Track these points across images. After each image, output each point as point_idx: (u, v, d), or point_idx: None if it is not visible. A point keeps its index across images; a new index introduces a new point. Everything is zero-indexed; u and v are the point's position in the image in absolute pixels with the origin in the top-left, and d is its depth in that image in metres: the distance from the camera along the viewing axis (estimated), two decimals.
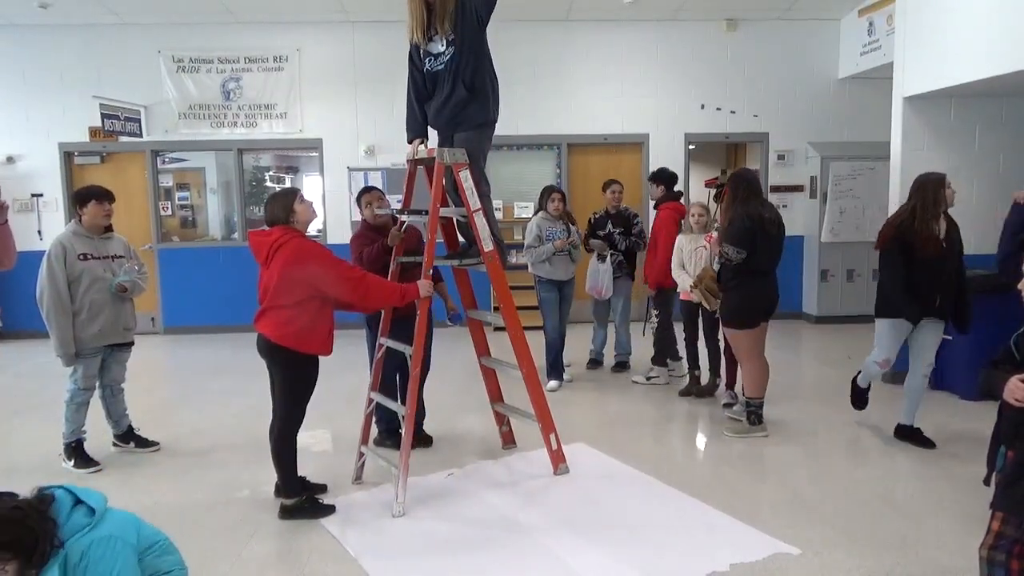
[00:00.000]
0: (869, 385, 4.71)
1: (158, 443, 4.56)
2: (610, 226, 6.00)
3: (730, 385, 5.22)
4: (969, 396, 5.16)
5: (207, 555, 3.14)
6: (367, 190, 4.40)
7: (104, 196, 4.22)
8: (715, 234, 4.78)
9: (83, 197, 4.20)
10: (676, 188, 5.95)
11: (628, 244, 5.99)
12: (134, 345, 4.50)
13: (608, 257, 5.89)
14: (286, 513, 3.50)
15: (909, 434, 4.41)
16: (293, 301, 3.33)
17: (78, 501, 2.19)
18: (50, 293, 4.04)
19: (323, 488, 3.81)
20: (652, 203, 6.01)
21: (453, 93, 3.70)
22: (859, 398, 4.74)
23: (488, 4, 3.66)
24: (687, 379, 5.64)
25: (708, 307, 4.93)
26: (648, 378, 5.94)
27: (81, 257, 4.11)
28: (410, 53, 3.87)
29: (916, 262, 4.14)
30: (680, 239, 5.33)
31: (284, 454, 3.49)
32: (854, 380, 4.75)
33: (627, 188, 6.72)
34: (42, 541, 2.00)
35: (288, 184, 9.72)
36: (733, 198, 4.46)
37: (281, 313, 3.35)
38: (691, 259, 5.22)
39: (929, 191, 4.16)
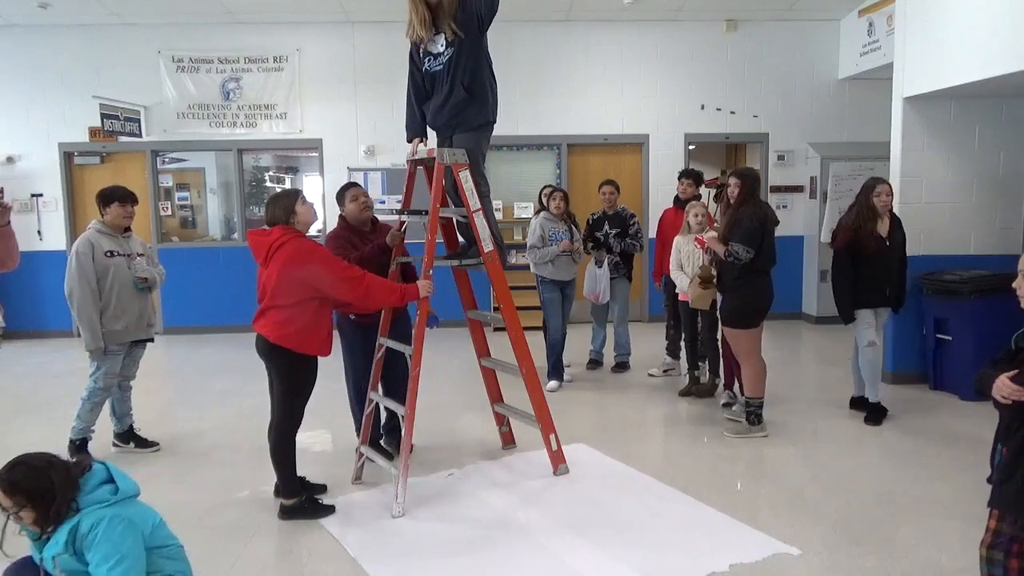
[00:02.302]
0: (877, 403, 4.82)
1: (158, 443, 4.56)
2: (607, 227, 6.00)
3: (729, 385, 5.22)
4: (969, 397, 5.16)
5: (207, 555, 3.13)
6: (352, 185, 4.20)
7: (128, 198, 4.32)
8: (706, 236, 4.77)
9: (107, 197, 4.29)
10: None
11: (624, 246, 5.97)
12: (152, 342, 4.54)
13: (605, 262, 5.89)
14: (286, 513, 3.50)
15: (861, 405, 4.87)
16: (292, 301, 3.33)
17: (111, 479, 2.29)
18: (80, 289, 4.10)
19: (323, 488, 3.80)
20: (676, 199, 5.92)
21: (451, 94, 3.69)
22: (874, 413, 4.82)
23: (490, 7, 3.61)
24: (687, 379, 5.64)
25: (701, 306, 4.96)
26: (665, 371, 6.06)
27: (108, 254, 4.21)
28: (410, 52, 3.86)
29: (865, 259, 4.58)
30: (678, 239, 5.33)
31: (283, 454, 3.49)
32: (860, 401, 4.93)
33: (627, 189, 6.72)
34: (59, 499, 2.15)
35: (288, 184, 9.72)
36: (743, 196, 4.44)
37: (280, 313, 3.35)
38: (689, 259, 5.21)
39: (864, 196, 4.64)
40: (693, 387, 5.50)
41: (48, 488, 2.15)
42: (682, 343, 5.85)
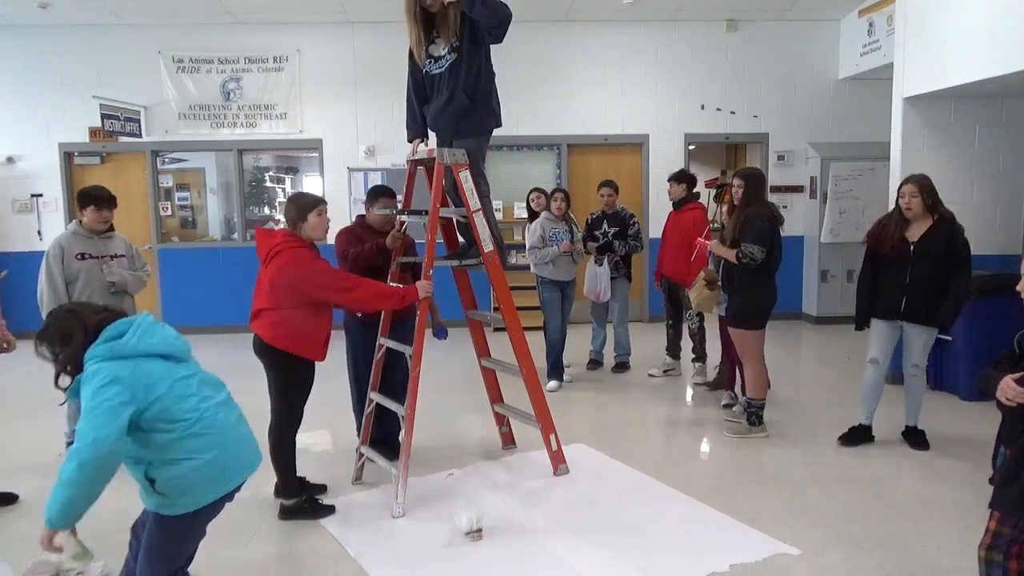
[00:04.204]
0: (867, 426, 4.46)
1: None
2: (606, 226, 6.00)
3: (729, 386, 5.21)
4: (969, 397, 5.16)
5: (207, 556, 3.12)
6: (391, 194, 4.11)
7: (104, 203, 4.19)
8: (705, 239, 4.74)
9: (84, 200, 4.21)
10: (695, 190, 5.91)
11: (627, 247, 5.97)
12: None
13: (605, 260, 5.89)
14: (286, 514, 3.50)
15: (910, 435, 4.41)
16: (285, 305, 3.34)
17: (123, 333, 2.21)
18: (49, 293, 4.06)
19: (323, 488, 3.81)
20: (672, 202, 5.90)
21: (452, 99, 3.68)
22: (854, 436, 4.45)
23: (497, 35, 3.54)
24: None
25: (706, 310, 4.96)
26: (665, 371, 6.06)
27: (79, 257, 4.13)
28: (410, 51, 3.84)
29: (883, 262, 4.23)
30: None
31: (282, 455, 3.49)
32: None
33: (626, 189, 6.68)
34: (72, 348, 2.17)
35: (288, 185, 9.72)
36: (749, 196, 4.42)
37: (274, 315, 3.35)
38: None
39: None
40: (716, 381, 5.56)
41: (68, 335, 2.17)
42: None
